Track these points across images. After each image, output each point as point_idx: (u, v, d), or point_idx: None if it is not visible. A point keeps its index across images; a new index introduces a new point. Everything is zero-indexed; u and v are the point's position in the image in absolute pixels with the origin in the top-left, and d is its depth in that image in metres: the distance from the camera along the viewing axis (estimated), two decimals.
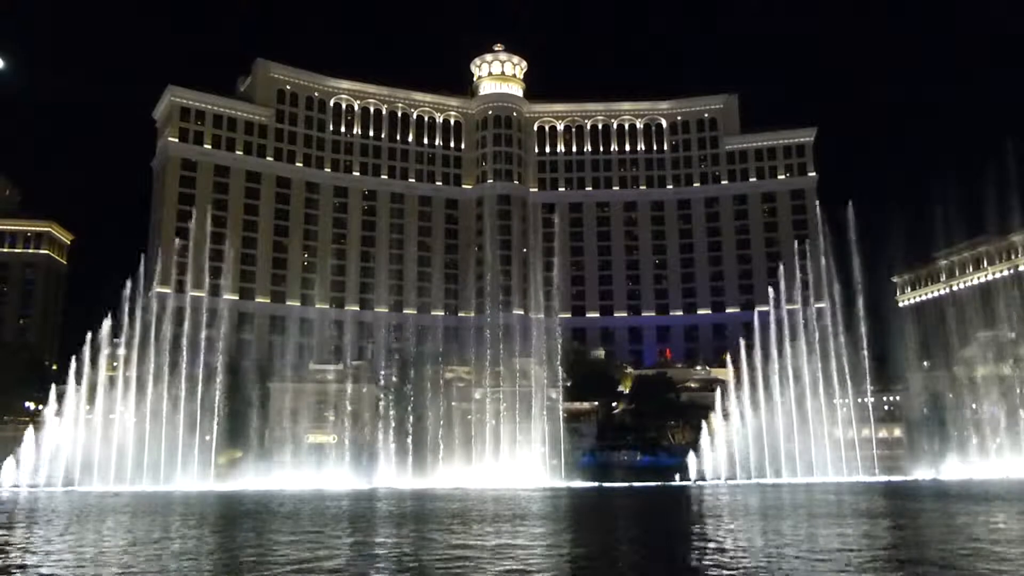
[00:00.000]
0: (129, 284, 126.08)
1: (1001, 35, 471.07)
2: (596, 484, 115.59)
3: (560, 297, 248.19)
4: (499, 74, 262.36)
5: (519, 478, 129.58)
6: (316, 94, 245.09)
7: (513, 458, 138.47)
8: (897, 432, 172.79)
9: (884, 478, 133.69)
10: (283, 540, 37.73)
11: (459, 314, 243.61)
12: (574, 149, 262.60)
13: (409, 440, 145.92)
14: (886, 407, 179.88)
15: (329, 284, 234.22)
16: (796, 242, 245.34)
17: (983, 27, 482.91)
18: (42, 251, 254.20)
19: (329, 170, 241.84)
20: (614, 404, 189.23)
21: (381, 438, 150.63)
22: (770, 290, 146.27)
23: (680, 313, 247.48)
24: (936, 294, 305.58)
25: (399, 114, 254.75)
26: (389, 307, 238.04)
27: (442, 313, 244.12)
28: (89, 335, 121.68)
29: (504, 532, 40.52)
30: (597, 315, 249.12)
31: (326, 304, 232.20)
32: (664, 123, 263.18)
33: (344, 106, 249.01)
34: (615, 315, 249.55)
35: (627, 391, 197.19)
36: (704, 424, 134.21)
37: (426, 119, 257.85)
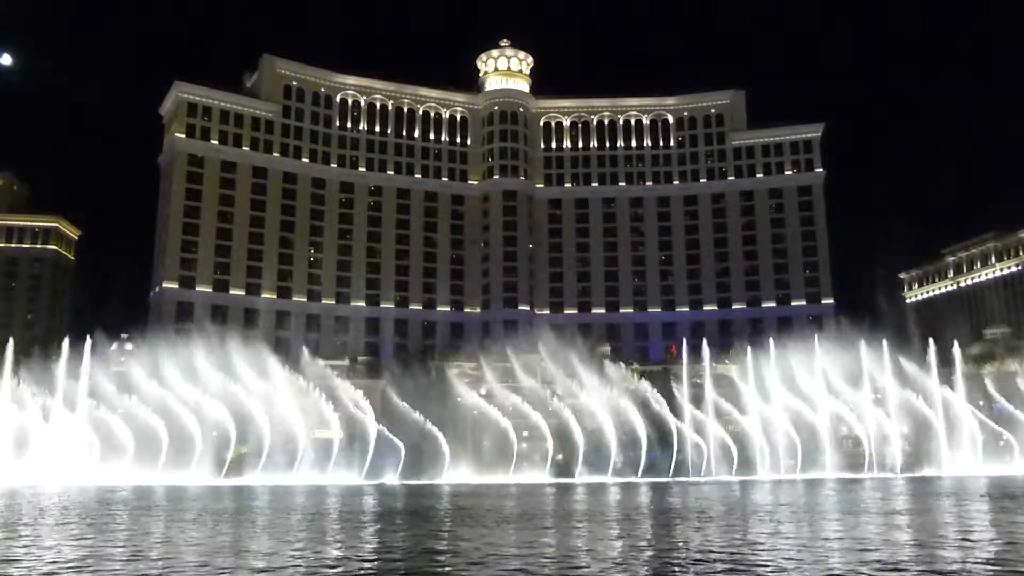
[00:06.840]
0: (136, 280, 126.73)
1: (1002, 34, 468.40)
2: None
3: (565, 293, 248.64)
4: (505, 70, 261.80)
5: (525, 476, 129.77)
6: (322, 90, 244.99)
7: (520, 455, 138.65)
8: (904, 429, 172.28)
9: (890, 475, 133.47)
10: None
11: (464, 310, 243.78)
12: (580, 145, 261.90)
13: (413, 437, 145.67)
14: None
15: (335, 280, 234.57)
16: (803, 238, 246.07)
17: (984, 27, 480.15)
18: (50, 246, 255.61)
19: (335, 166, 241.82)
20: None
21: (387, 434, 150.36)
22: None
23: (686, 309, 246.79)
24: (943, 290, 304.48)
25: (405, 110, 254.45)
26: (395, 303, 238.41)
27: (448, 309, 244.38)
28: (97, 330, 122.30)
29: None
30: (603, 311, 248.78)
31: (332, 300, 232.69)
32: (670, 119, 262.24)
33: (350, 102, 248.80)
34: (620, 311, 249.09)
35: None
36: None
37: (432, 115, 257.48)
